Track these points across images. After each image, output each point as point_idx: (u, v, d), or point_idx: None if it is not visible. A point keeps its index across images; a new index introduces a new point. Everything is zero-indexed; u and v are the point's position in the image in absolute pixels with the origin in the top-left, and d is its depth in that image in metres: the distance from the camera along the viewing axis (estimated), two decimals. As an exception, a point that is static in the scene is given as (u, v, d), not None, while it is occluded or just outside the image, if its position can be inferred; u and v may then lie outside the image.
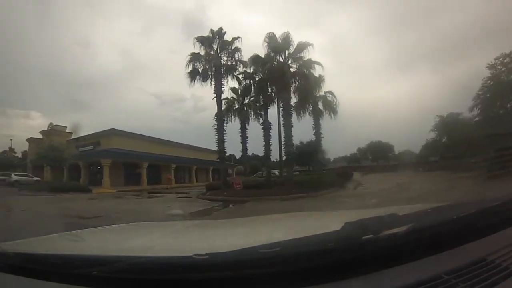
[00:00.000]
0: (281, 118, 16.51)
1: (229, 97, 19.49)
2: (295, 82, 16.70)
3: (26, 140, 29.26)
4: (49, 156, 21.09)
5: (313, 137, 19.28)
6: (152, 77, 66.86)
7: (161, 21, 66.38)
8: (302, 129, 18.60)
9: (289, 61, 16.72)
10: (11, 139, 24.32)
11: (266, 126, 17.42)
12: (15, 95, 43.96)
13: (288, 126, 16.35)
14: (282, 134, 16.45)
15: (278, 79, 15.95)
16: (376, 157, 36.17)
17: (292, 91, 16.65)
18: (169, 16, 63.93)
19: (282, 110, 16.50)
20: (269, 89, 17.15)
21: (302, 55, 16.46)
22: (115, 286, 0.73)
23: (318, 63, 16.83)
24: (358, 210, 2.65)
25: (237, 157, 28.75)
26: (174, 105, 63.32)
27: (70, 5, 61.98)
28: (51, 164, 22.40)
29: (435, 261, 0.75)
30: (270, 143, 17.25)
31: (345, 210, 4.18)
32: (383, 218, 0.84)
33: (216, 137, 17.92)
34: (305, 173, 20.10)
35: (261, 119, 18.30)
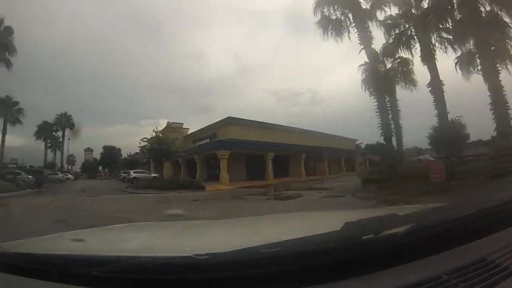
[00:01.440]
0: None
1: (366, 61, 13.80)
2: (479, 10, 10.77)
3: (142, 140, 27.96)
4: (154, 149, 19.73)
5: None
6: (266, 76, 69.57)
7: (264, 22, 69.61)
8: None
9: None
10: (139, 142, 23.76)
11: (436, 86, 11.58)
12: (147, 108, 58.79)
13: (493, 73, 10.17)
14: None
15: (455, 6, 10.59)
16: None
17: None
18: (271, 16, 68.12)
19: (478, 54, 10.82)
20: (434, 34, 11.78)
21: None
22: (115, 286, 0.72)
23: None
24: (358, 210, 2.66)
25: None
26: (291, 100, 63.97)
27: (180, 25, 72.62)
28: (157, 158, 21.10)
29: (435, 261, 0.75)
30: (448, 112, 11.43)
31: (345, 210, 4.17)
32: (383, 218, 0.84)
33: (376, 111, 12.06)
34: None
35: (412, 87, 13.47)
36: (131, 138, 69.20)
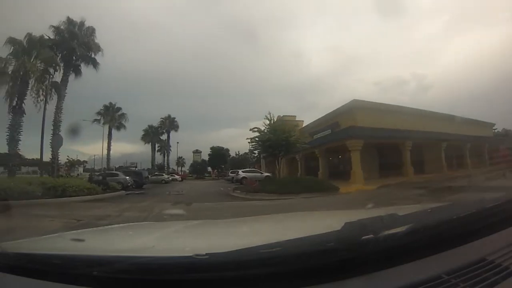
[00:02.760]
0: None
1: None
2: None
3: (252, 130, 23.48)
4: (269, 140, 15.08)
5: None
6: (367, 66, 69.55)
7: (354, 10, 70.22)
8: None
9: None
10: (249, 142, 22.11)
11: None
12: (255, 110, 61.64)
13: None
14: None
15: None
16: None
17: None
18: (360, 3, 68.09)
19: None
20: None
21: None
22: (115, 286, 0.72)
23: None
24: (358, 210, 2.65)
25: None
26: (396, 89, 60.26)
27: (277, 28, 74.64)
28: (272, 152, 16.17)
29: (435, 261, 0.75)
30: None
31: (345, 210, 4.17)
32: (383, 218, 0.84)
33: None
34: None
35: None
36: (239, 141, 72.57)
